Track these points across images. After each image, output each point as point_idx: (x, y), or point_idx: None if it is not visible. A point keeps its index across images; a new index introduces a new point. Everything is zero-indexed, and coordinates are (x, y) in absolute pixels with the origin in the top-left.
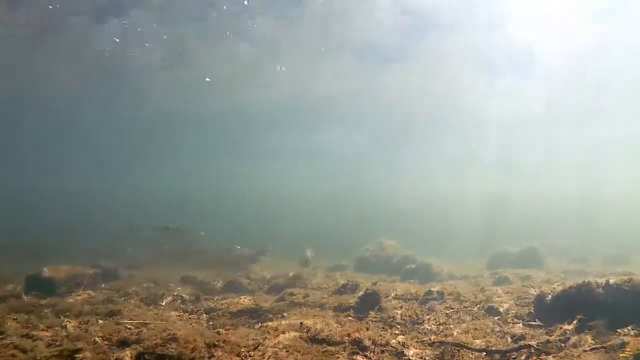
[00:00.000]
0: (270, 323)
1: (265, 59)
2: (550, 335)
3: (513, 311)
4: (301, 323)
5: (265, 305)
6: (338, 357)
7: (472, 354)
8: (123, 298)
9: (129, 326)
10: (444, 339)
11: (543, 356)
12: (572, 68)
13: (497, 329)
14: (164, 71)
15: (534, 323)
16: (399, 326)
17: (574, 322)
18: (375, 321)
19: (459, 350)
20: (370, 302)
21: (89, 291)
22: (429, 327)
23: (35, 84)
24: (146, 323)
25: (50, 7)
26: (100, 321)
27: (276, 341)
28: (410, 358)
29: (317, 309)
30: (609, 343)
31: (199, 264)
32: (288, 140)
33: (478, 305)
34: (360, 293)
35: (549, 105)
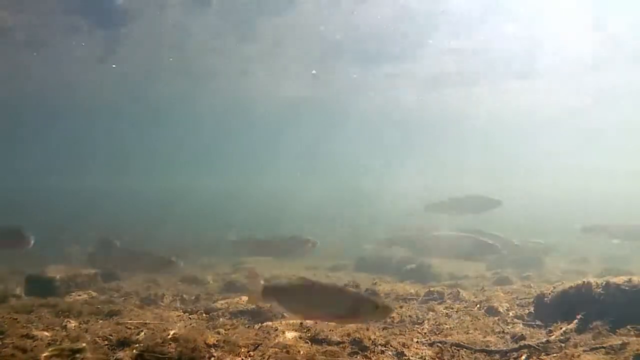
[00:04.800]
0: (270, 323)
1: None
2: (550, 335)
3: (513, 311)
4: (301, 323)
5: (266, 305)
6: (338, 357)
7: (472, 353)
8: (123, 298)
9: (129, 326)
10: (444, 339)
11: (543, 356)
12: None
13: (497, 329)
14: None
15: (534, 323)
16: (398, 326)
17: (574, 322)
18: (375, 321)
19: (458, 350)
20: None
21: (89, 291)
22: (429, 327)
23: None
24: (146, 323)
25: None
26: (100, 321)
27: (276, 341)
28: (410, 358)
29: None
30: (609, 343)
31: None
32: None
33: (478, 305)
34: None
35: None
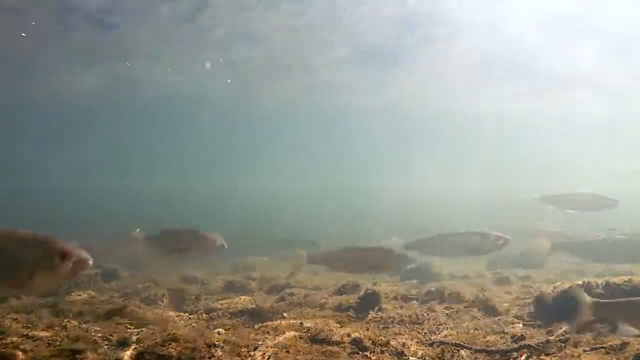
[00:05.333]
0: (270, 323)
1: None
2: (550, 335)
3: (513, 311)
4: (301, 323)
5: (265, 305)
6: (338, 357)
7: (472, 354)
8: (123, 298)
9: (129, 326)
10: (444, 339)
11: (543, 356)
12: None
13: (497, 329)
14: None
15: (534, 323)
16: (398, 326)
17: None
18: (375, 321)
19: (458, 350)
20: (370, 302)
21: (89, 291)
22: (429, 327)
23: None
24: (146, 323)
25: None
26: (100, 321)
27: (276, 341)
28: (410, 358)
29: (317, 309)
30: (609, 343)
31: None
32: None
33: (478, 306)
34: (360, 293)
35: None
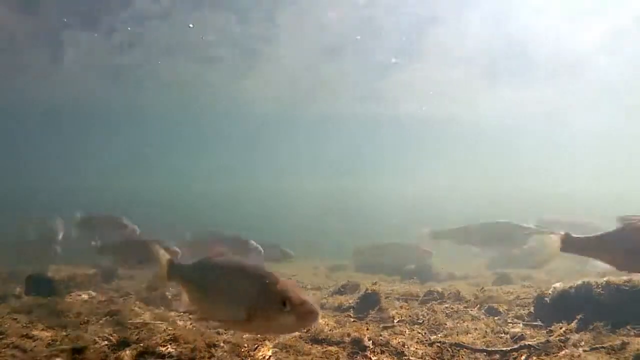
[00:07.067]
0: None
1: None
2: (550, 336)
3: (513, 311)
4: None
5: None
6: (338, 357)
7: (472, 354)
8: (123, 298)
9: (129, 326)
10: (444, 339)
11: (543, 356)
12: None
13: (497, 329)
14: None
15: (534, 323)
16: (398, 326)
17: (574, 322)
18: (375, 321)
19: (458, 351)
20: (370, 302)
21: (89, 291)
22: (429, 327)
23: None
24: (146, 323)
25: None
26: (100, 321)
27: (276, 341)
28: (410, 358)
29: None
30: (609, 343)
31: None
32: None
33: (478, 305)
34: (360, 293)
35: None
